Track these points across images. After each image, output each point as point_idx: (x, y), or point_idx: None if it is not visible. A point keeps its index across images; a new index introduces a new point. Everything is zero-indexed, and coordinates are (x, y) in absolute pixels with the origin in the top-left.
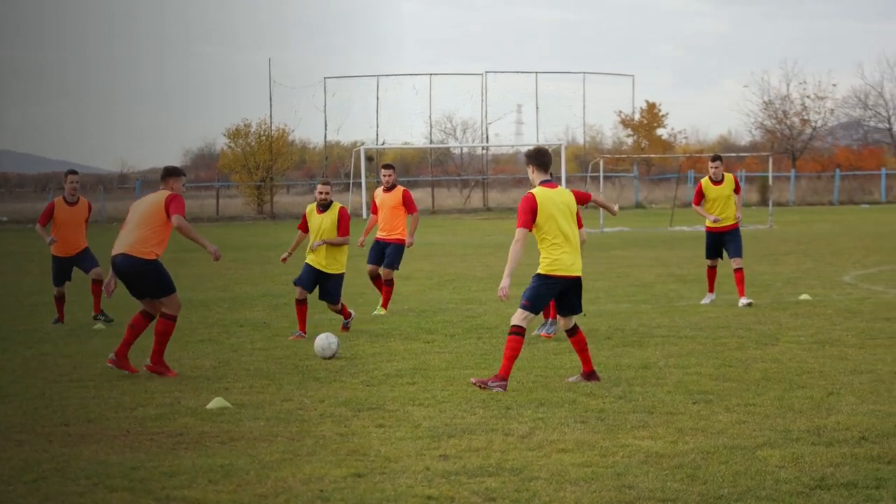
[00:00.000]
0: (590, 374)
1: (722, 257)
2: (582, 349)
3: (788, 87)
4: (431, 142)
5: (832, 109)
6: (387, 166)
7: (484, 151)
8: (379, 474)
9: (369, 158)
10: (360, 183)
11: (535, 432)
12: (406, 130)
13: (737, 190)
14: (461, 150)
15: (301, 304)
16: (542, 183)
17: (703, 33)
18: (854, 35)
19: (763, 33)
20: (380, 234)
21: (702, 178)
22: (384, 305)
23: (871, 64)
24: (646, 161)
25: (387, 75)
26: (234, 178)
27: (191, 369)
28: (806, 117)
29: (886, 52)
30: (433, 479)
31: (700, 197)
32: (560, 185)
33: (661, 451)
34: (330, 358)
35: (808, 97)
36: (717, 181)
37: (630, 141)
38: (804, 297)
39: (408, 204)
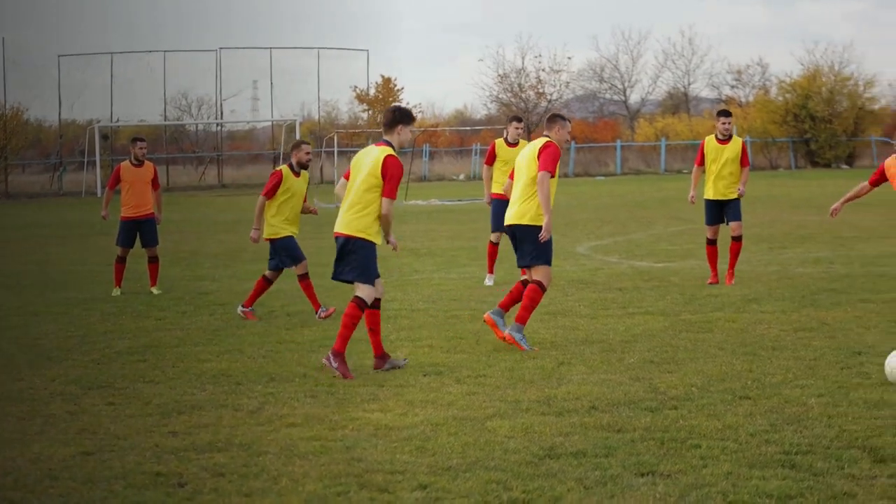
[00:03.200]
0: (381, 357)
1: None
2: (371, 329)
3: (524, 60)
4: (166, 119)
5: (567, 82)
6: (142, 139)
7: (219, 128)
8: (108, 452)
9: (104, 137)
10: (95, 161)
11: (265, 407)
12: (141, 108)
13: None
14: (196, 126)
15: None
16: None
17: (439, 8)
18: (589, 7)
19: (498, 6)
20: (130, 213)
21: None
22: (154, 283)
23: (605, 37)
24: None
25: (120, 52)
26: None
27: None
28: (541, 90)
29: (621, 25)
30: (162, 456)
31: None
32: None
33: (391, 424)
34: None
35: (543, 70)
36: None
37: (366, 116)
38: None
39: (156, 180)
